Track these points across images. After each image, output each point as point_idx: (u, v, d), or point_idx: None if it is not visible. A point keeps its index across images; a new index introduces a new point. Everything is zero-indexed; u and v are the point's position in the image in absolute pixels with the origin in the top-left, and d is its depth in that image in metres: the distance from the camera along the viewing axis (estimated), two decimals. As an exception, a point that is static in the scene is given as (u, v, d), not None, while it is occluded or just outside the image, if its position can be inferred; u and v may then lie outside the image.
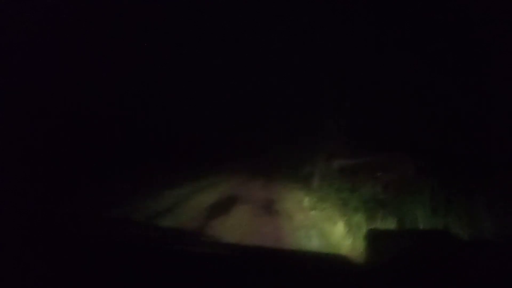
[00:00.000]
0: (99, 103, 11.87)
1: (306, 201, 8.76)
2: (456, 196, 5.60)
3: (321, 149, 12.16)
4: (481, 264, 1.08)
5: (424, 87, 12.05)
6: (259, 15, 13.75)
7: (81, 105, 11.06)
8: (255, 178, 15.16)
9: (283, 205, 9.11)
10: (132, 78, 14.02)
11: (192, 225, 6.54)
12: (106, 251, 1.27)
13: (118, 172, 9.52)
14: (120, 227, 1.76)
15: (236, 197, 9.77)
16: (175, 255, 1.32)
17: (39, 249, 1.17)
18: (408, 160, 12.38)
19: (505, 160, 7.01)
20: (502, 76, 8.36)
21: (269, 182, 14.34)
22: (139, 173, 10.37)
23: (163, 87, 16.19)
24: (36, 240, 1.25)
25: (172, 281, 1.07)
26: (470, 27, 9.47)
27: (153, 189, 9.39)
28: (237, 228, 6.45)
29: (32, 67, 9.62)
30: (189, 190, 10.20)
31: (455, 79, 10.18)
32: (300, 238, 5.59)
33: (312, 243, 5.37)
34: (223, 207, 8.32)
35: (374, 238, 1.43)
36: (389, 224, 5.23)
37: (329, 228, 6.19)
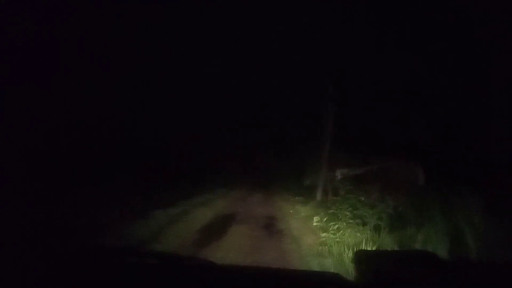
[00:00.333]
0: (92, 116, 11.26)
1: (316, 221, 7.12)
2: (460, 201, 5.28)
3: (322, 159, 11.13)
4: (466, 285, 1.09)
5: (425, 89, 11.31)
6: (258, 17, 13.41)
7: (74, 117, 10.46)
8: (253, 193, 14.12)
9: (286, 223, 7.96)
10: (129, 85, 13.46)
11: (184, 250, 5.50)
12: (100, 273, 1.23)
13: (108, 190, 8.38)
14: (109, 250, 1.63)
15: (232, 215, 8.69)
16: (166, 280, 1.24)
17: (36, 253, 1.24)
18: (419, 166, 11.44)
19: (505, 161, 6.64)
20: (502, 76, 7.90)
21: (269, 196, 13.27)
22: (129, 191, 9.17)
23: (158, 98, 15.24)
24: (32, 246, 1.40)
25: None
26: (470, 27, 8.95)
27: (143, 209, 8.34)
28: (234, 253, 5.35)
29: (32, 67, 9.22)
30: (181, 209, 9.09)
31: (456, 79, 9.69)
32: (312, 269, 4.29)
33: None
34: (218, 227, 7.23)
35: (362, 260, 1.35)
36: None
37: (348, 257, 4.65)
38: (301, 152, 14.27)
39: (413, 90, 11.39)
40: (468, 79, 9.50)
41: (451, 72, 10.50)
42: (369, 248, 4.82)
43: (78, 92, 10.86)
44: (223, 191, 13.20)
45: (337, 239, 5.58)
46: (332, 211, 7.38)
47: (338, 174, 10.59)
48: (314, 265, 4.65)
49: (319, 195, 10.87)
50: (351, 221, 6.33)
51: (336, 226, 6.12)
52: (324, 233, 6.20)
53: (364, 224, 6.05)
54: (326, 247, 5.35)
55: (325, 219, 6.96)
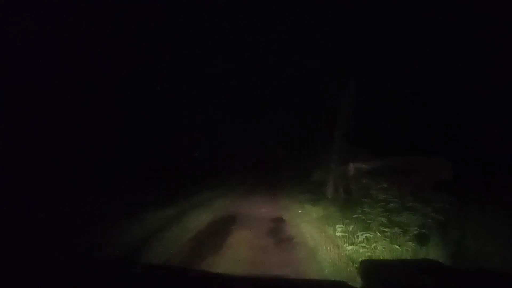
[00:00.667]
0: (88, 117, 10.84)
1: (340, 230, 5.37)
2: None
3: (334, 152, 9.78)
4: None
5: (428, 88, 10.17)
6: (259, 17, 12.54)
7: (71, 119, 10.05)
8: (256, 190, 12.78)
9: (297, 228, 6.28)
10: (129, 84, 13.00)
11: (179, 258, 4.34)
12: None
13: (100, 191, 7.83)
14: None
15: (233, 218, 7.23)
16: None
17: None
18: (446, 162, 10.05)
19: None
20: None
21: (273, 193, 11.92)
22: (124, 190, 8.30)
23: (159, 97, 14.64)
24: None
25: None
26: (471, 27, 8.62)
27: (133, 210, 7.09)
28: (235, 264, 4.08)
29: (32, 67, 9.03)
30: (178, 210, 7.70)
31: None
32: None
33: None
34: (215, 234, 5.83)
35: (369, 270, 1.30)
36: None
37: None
38: (309, 147, 12.72)
39: (433, 83, 10.12)
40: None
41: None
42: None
43: (78, 92, 10.56)
44: (224, 189, 11.92)
45: (369, 253, 4.18)
46: (357, 215, 5.64)
47: (352, 168, 9.21)
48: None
49: (330, 193, 9.51)
50: (386, 229, 4.71)
51: (365, 235, 4.59)
52: (351, 245, 4.62)
53: (403, 233, 4.50)
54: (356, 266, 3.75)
55: (350, 227, 5.28)
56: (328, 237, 5.42)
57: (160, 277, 1.35)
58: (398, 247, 4.14)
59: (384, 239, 4.38)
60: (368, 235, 4.57)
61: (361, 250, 4.30)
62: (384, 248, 4.20)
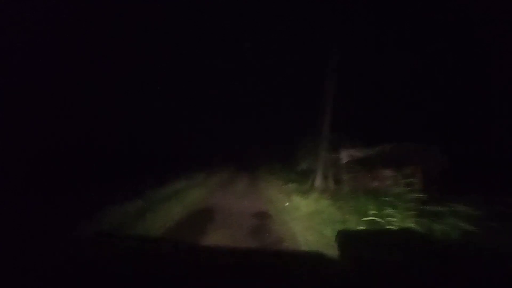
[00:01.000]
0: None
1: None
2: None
3: (322, 138, 8.75)
4: (452, 265, 1.02)
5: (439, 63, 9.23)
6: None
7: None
8: (238, 179, 11.49)
9: (286, 227, 4.84)
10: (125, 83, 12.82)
11: None
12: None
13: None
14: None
15: (210, 212, 5.60)
16: (146, 262, 1.18)
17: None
18: (439, 150, 9.19)
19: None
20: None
21: (256, 183, 10.73)
22: (88, 180, 6.89)
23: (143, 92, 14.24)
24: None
25: None
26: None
27: (95, 203, 5.66)
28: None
29: (32, 67, 8.96)
30: (146, 203, 5.98)
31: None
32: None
33: None
34: (186, 235, 4.25)
35: (344, 241, 1.21)
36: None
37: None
38: (293, 135, 10.91)
39: (427, 64, 9.15)
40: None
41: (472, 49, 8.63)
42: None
43: (78, 91, 10.52)
44: (202, 177, 10.62)
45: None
46: (371, 218, 4.20)
47: (344, 155, 8.03)
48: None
49: (318, 182, 8.07)
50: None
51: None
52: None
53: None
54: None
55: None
56: (326, 238, 3.89)
57: (152, 250, 1.30)
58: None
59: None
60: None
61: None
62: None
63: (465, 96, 8.67)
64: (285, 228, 4.53)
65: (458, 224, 3.27)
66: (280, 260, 1.32)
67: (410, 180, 7.15)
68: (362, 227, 3.83)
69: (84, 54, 11.26)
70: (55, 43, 10.34)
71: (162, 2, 13.31)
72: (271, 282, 1.03)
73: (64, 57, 10.53)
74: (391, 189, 7.08)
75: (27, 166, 6.85)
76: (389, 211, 3.93)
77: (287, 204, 6.28)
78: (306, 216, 5.22)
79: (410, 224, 3.40)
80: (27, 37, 8.97)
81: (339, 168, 7.94)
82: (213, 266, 1.15)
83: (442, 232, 3.31)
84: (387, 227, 3.58)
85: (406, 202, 5.03)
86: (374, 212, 4.11)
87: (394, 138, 8.20)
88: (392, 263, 0.98)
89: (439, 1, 8.23)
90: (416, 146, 8.04)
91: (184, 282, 1.02)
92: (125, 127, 12.66)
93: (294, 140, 10.39)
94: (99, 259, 1.15)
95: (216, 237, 4.25)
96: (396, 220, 3.73)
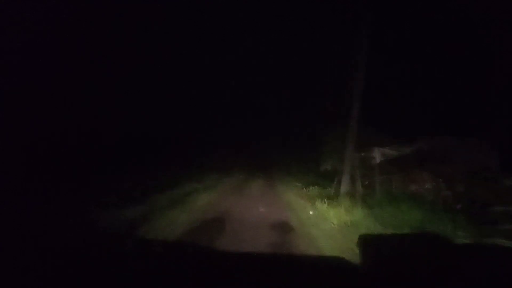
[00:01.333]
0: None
1: None
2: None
3: (349, 134, 7.35)
4: (473, 268, 0.97)
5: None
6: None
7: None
8: (253, 180, 10.11)
9: (317, 248, 3.63)
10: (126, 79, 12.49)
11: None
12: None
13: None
14: None
15: (221, 224, 4.60)
16: (168, 266, 1.16)
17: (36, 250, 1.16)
18: (491, 147, 6.95)
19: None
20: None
21: (273, 185, 8.99)
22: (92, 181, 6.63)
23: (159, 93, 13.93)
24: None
25: None
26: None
27: (93, 208, 4.73)
28: None
29: (32, 67, 8.82)
30: (144, 209, 5.08)
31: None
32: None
33: None
34: (195, 247, 3.73)
35: (366, 243, 1.18)
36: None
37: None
38: (315, 131, 9.60)
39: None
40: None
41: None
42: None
43: (78, 90, 10.33)
44: (214, 178, 9.64)
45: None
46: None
47: (378, 154, 6.71)
48: None
49: (345, 185, 6.59)
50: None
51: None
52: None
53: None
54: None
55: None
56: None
57: (154, 253, 1.30)
58: None
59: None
60: None
61: None
62: None
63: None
64: (315, 248, 3.43)
65: None
66: (300, 264, 1.30)
67: (453, 184, 5.87)
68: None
69: (84, 53, 11.04)
70: (55, 43, 10.18)
71: (162, 2, 12.95)
72: (290, 285, 0.97)
73: (64, 57, 10.34)
74: (431, 195, 5.81)
75: (27, 164, 6.54)
76: (438, 225, 2.84)
77: (311, 212, 5.18)
78: (338, 230, 4.10)
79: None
80: (27, 37, 8.75)
81: (369, 169, 6.71)
82: (231, 269, 1.08)
83: None
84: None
85: (453, 214, 3.90)
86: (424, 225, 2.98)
87: (434, 132, 6.89)
88: (412, 266, 0.90)
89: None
90: (461, 140, 6.70)
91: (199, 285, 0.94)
92: (132, 124, 12.22)
93: (316, 136, 9.19)
94: (111, 262, 1.07)
95: (232, 250, 3.23)
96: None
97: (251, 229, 4.30)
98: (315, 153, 9.07)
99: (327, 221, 4.60)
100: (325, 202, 5.38)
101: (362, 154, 6.88)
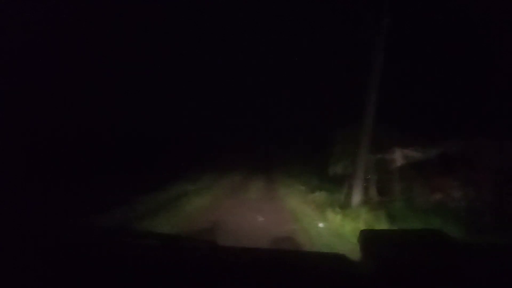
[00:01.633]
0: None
1: None
2: None
3: (363, 134, 6.20)
4: (477, 267, 0.92)
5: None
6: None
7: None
8: (252, 182, 9.01)
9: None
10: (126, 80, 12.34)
11: None
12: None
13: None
14: None
15: (213, 235, 3.74)
16: (166, 261, 1.08)
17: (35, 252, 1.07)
18: None
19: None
20: None
21: (275, 188, 7.95)
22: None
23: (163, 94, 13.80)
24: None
25: None
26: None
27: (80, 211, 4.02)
28: None
29: (32, 67, 8.84)
30: (127, 214, 4.42)
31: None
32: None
33: None
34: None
35: (367, 240, 1.12)
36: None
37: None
38: (323, 129, 8.41)
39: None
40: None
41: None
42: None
43: (77, 90, 10.28)
44: (209, 179, 8.63)
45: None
46: None
47: (399, 156, 5.61)
48: None
49: (357, 192, 5.41)
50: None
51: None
52: None
53: None
54: None
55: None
56: None
57: (155, 247, 1.22)
58: None
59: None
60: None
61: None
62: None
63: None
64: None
65: None
66: (299, 260, 1.21)
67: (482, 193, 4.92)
68: None
69: (84, 53, 10.97)
70: (55, 43, 10.14)
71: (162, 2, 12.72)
72: (290, 282, 0.94)
73: (64, 56, 10.28)
74: (458, 204, 4.87)
75: (24, 163, 6.43)
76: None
77: (321, 225, 4.18)
78: (357, 248, 3.00)
79: None
80: (27, 37, 8.70)
81: (385, 173, 5.69)
82: (232, 265, 1.05)
83: None
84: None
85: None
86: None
87: (462, 132, 5.89)
88: (415, 264, 0.86)
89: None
90: (494, 143, 5.70)
91: (202, 282, 0.93)
92: (131, 124, 11.94)
93: (321, 136, 8.19)
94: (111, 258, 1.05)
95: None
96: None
97: (249, 243, 3.22)
98: (318, 154, 8.06)
99: (342, 238, 3.60)
100: (337, 213, 4.34)
101: (378, 156, 5.84)
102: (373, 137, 5.77)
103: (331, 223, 4.26)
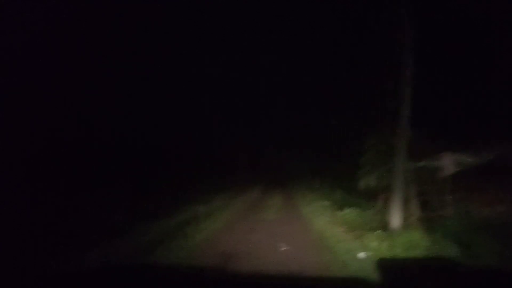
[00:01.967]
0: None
1: None
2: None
3: (399, 139, 5.09)
4: None
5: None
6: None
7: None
8: (270, 201, 8.49)
9: None
10: (129, 85, 11.92)
11: None
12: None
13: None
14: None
15: (222, 273, 2.71)
16: None
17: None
18: None
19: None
20: None
21: (296, 205, 7.56)
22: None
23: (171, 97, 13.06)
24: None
25: None
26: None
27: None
28: None
29: (32, 67, 8.72)
30: (121, 248, 3.66)
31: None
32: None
33: None
34: None
35: (385, 267, 1.37)
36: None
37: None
38: (348, 134, 7.91)
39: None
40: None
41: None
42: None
43: (78, 91, 10.06)
44: (222, 199, 7.74)
45: None
46: None
47: (449, 163, 4.69)
48: None
49: (398, 210, 4.38)
50: None
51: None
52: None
53: None
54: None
55: None
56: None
57: (175, 279, 1.31)
58: None
59: None
60: None
61: None
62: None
63: None
64: None
65: None
66: (322, 285, 1.29)
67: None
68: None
69: (84, 54, 10.43)
70: (55, 43, 9.76)
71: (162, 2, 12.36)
72: None
73: (64, 56, 9.85)
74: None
75: (24, 165, 6.27)
76: None
77: (362, 254, 3.14)
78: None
79: None
80: (27, 37, 8.54)
81: (427, 183, 4.62)
82: None
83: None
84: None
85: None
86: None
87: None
88: None
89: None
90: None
91: None
92: (135, 130, 11.25)
93: (343, 144, 7.22)
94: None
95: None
96: None
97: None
98: (339, 164, 7.06)
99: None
100: (381, 237, 3.30)
101: (420, 164, 4.79)
102: (411, 143, 4.76)
103: (374, 251, 3.23)
